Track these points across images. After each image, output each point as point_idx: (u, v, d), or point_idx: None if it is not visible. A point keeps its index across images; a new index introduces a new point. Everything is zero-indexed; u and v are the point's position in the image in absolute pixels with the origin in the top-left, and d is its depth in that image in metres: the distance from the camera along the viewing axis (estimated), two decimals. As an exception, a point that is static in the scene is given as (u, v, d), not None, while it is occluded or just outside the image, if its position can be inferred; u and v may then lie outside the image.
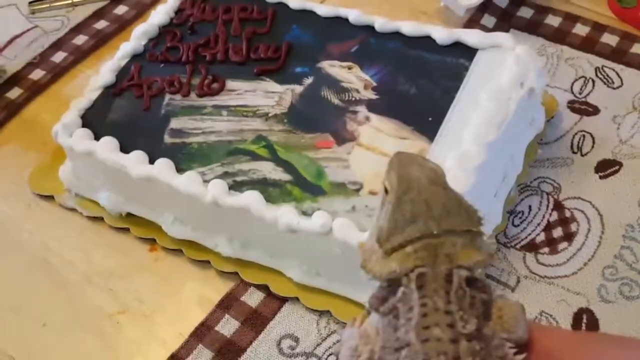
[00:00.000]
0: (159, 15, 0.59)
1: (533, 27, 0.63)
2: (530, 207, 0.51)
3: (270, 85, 0.53)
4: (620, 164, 0.53)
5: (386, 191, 0.31)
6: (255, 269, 0.49)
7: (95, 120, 0.52)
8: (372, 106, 0.50)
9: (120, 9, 0.71)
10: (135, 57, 0.56)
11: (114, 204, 0.52)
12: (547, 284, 0.47)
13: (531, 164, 0.53)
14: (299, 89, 0.53)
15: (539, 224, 0.50)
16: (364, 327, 0.30)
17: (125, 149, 0.50)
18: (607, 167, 0.53)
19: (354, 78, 0.52)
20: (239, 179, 0.48)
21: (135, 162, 0.49)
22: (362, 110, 0.50)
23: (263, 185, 0.47)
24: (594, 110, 0.56)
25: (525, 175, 0.52)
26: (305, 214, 0.45)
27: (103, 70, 0.55)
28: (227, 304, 0.49)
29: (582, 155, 0.54)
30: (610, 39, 0.61)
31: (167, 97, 0.54)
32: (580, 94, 0.58)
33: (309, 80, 0.53)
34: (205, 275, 0.51)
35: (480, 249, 0.29)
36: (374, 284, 0.30)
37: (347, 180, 0.46)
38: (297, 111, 0.51)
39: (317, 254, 0.46)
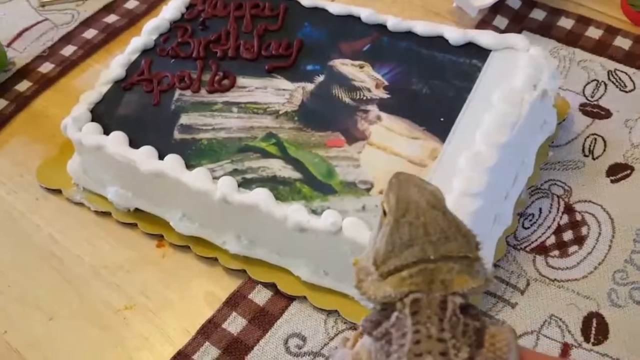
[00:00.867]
0: (170, 11, 0.59)
1: (545, 30, 0.63)
2: (540, 209, 0.51)
3: (281, 82, 0.53)
4: (632, 168, 0.52)
5: (384, 212, 0.30)
6: (262, 267, 0.49)
7: (105, 114, 0.52)
8: (383, 105, 0.50)
9: (131, 3, 0.71)
10: (145, 52, 0.56)
11: (122, 199, 0.52)
12: (557, 287, 0.47)
13: (542, 167, 0.52)
14: (310, 86, 0.52)
15: (549, 227, 0.50)
16: (356, 349, 0.30)
17: (134, 143, 0.50)
18: (618, 171, 0.52)
19: (366, 77, 0.52)
20: (248, 176, 0.48)
21: (145, 157, 0.49)
22: (374, 109, 0.50)
23: (273, 183, 0.47)
24: (606, 114, 0.56)
25: (536, 178, 0.52)
26: (315, 212, 0.45)
27: (113, 65, 0.55)
28: (234, 301, 0.48)
29: (593, 158, 0.53)
30: (623, 43, 0.60)
31: (177, 92, 0.53)
32: (592, 97, 0.57)
33: (320, 78, 0.53)
34: (212, 272, 0.50)
35: (477, 274, 0.29)
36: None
37: (358, 179, 0.46)
38: (307, 109, 0.51)
39: (326, 253, 0.46)
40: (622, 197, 0.51)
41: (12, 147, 0.60)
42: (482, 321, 0.28)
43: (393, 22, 0.55)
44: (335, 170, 0.47)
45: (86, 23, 0.69)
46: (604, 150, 0.54)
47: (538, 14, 0.64)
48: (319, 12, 0.58)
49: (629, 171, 0.52)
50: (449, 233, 0.29)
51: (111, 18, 0.69)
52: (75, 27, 0.69)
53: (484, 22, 0.64)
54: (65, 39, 0.67)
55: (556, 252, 0.48)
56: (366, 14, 0.56)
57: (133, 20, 0.69)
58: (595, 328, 0.45)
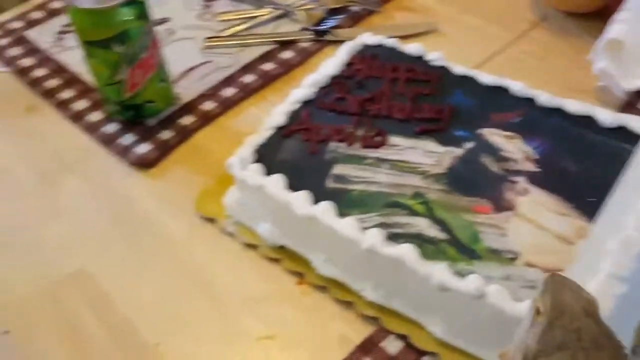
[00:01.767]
0: (330, 67, 0.64)
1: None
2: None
3: (430, 144, 0.56)
4: None
5: (537, 311, 0.32)
6: (397, 318, 0.51)
7: (267, 157, 0.57)
8: (532, 178, 0.52)
9: (286, 54, 0.77)
10: (306, 103, 0.61)
11: (272, 235, 0.56)
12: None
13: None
14: (458, 151, 0.55)
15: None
16: None
17: (291, 187, 0.54)
18: None
19: (515, 148, 0.54)
20: (395, 230, 0.50)
21: (301, 201, 0.53)
22: (522, 181, 0.52)
23: (418, 241, 0.49)
24: None
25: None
26: (459, 274, 0.47)
27: (276, 112, 0.60)
28: (367, 348, 0.51)
29: None
30: None
31: (333, 144, 0.58)
32: None
33: (469, 145, 0.55)
34: (347, 315, 0.53)
35: None
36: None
37: (503, 248, 0.48)
38: (455, 173, 0.54)
39: (465, 315, 0.47)
40: None
41: (174, 175, 0.66)
42: None
43: (545, 98, 0.57)
44: (480, 236, 0.49)
45: (245, 68, 0.75)
46: None
47: (688, 100, 0.64)
48: (470, 81, 0.61)
49: None
50: (601, 342, 0.30)
51: (268, 66, 0.75)
52: (235, 71, 0.75)
53: (630, 104, 0.64)
54: (227, 81, 0.74)
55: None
56: (517, 87, 0.58)
57: (287, 69, 0.75)
58: None
